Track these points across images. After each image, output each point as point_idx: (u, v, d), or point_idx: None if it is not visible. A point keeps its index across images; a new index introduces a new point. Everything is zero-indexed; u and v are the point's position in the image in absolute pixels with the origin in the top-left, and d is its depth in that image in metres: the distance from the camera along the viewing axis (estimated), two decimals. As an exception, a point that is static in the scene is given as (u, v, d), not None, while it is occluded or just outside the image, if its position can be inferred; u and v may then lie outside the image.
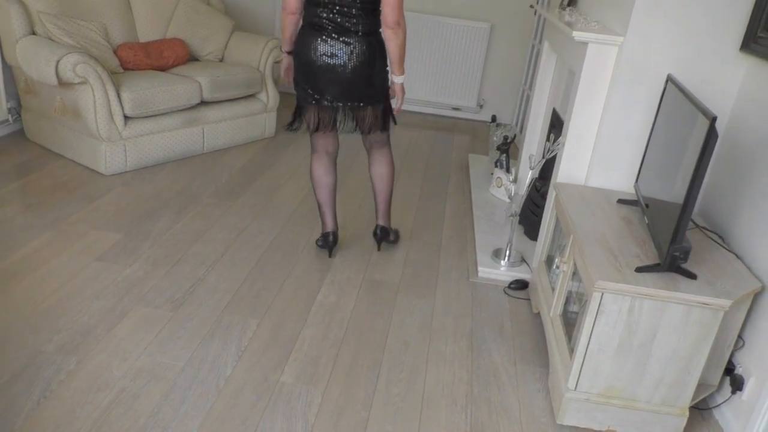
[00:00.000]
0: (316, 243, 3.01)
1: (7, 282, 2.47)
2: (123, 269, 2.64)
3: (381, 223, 2.99)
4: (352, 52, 2.49)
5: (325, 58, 2.50)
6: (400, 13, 2.44)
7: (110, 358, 2.12)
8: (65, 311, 2.33)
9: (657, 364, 1.94)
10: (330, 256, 2.93)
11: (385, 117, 2.72)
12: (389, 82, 2.67)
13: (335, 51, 2.49)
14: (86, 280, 2.53)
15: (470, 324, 2.57)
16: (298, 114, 2.72)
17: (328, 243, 2.91)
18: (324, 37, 2.48)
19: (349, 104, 2.59)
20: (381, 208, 2.96)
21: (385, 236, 3.01)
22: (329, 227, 2.90)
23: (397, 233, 3.15)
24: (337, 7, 2.44)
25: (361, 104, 2.61)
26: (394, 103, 2.72)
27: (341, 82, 2.53)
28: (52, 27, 3.44)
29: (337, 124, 2.67)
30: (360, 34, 2.48)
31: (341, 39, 2.48)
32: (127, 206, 3.18)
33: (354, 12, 2.45)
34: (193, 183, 3.54)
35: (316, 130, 2.69)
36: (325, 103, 2.59)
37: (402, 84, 2.67)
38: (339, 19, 2.46)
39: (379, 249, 3.05)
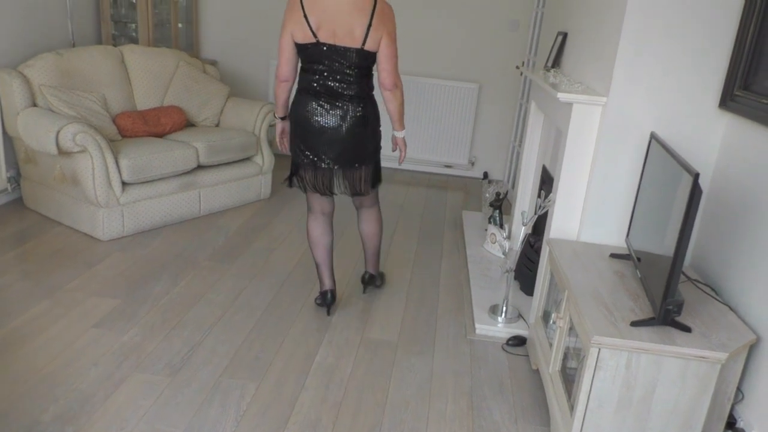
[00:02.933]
0: (315, 301, 3.04)
1: (5, 351, 2.46)
2: (121, 335, 2.63)
3: (371, 270, 3.17)
4: (346, 115, 2.58)
5: (320, 121, 2.59)
6: (397, 75, 2.58)
7: (108, 426, 2.10)
8: (63, 379, 2.32)
9: (658, 419, 1.94)
10: (329, 314, 2.95)
11: (375, 175, 2.82)
12: (391, 138, 2.82)
13: (330, 115, 2.58)
14: (84, 347, 2.53)
15: (470, 382, 2.56)
16: (294, 172, 2.78)
17: (327, 301, 2.94)
18: (319, 102, 2.58)
19: (343, 166, 2.68)
20: (370, 259, 3.13)
21: (372, 281, 3.19)
22: (327, 285, 2.94)
23: (382, 277, 3.31)
24: (332, 74, 2.54)
25: (356, 165, 2.70)
26: (380, 154, 2.84)
27: (336, 144, 2.62)
28: (53, 98, 3.54)
29: (333, 187, 2.75)
30: (354, 98, 2.58)
31: (336, 103, 2.57)
32: (125, 271, 3.20)
33: (348, 78, 2.55)
34: (189, 246, 3.57)
35: (314, 191, 2.75)
36: (322, 165, 2.67)
37: (403, 138, 2.81)
38: (333, 85, 2.56)
39: (364, 291, 3.18)
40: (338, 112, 2.58)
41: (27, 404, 2.17)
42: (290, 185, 2.82)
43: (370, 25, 2.47)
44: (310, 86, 2.58)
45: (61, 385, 2.28)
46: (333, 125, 2.60)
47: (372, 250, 3.09)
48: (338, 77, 2.55)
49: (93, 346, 2.54)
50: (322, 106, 2.58)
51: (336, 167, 2.68)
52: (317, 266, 2.93)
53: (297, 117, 2.64)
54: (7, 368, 2.36)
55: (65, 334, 2.61)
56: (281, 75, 2.62)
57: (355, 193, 2.79)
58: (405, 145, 2.83)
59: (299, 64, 2.64)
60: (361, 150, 2.69)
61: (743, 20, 2.27)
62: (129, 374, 2.39)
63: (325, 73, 2.55)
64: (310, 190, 2.78)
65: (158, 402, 2.25)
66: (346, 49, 2.50)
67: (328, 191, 2.76)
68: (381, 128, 2.79)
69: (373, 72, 2.64)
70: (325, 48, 2.50)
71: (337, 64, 2.52)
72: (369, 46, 2.51)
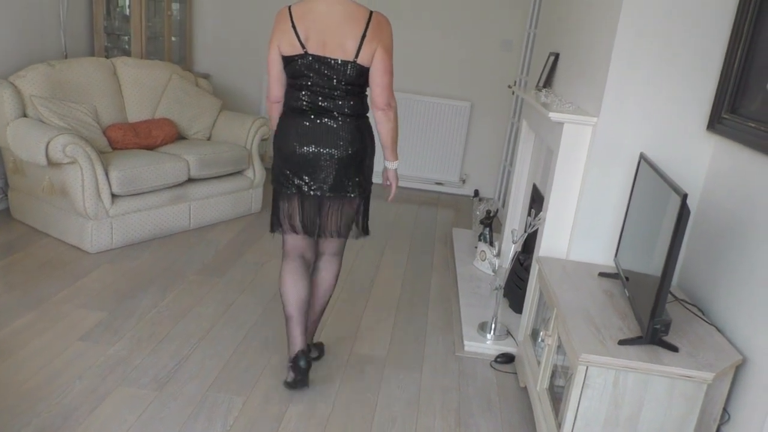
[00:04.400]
0: (286, 382, 2.48)
1: (-12, 363, 2.43)
2: (107, 348, 2.61)
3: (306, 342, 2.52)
4: (336, 136, 2.30)
5: (308, 142, 2.30)
6: (391, 94, 2.30)
7: (92, 441, 2.08)
8: (47, 393, 2.29)
9: (645, 439, 1.94)
10: (306, 384, 2.46)
11: (365, 216, 2.52)
12: (383, 170, 2.51)
13: (319, 135, 2.30)
14: (69, 360, 2.50)
15: (457, 399, 2.55)
16: (276, 211, 2.46)
17: (299, 369, 2.40)
18: (306, 121, 2.31)
19: (332, 194, 2.36)
20: (310, 323, 2.58)
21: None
22: (299, 345, 2.42)
23: (321, 349, 2.74)
24: (320, 89, 2.28)
25: (350, 195, 2.39)
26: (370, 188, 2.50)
27: (326, 169, 2.32)
28: (44, 109, 3.53)
29: (320, 220, 2.42)
30: (345, 116, 2.31)
31: (325, 122, 2.30)
32: (113, 284, 3.18)
33: (338, 94, 2.28)
34: (179, 260, 3.55)
35: (297, 228, 2.43)
36: (310, 192, 2.36)
37: (395, 170, 2.50)
38: (322, 102, 2.29)
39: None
40: (328, 131, 2.30)
41: (9, 418, 2.14)
42: (273, 230, 2.49)
43: (364, 35, 2.22)
44: (297, 104, 2.32)
45: (44, 399, 2.26)
46: (322, 147, 2.30)
47: (318, 307, 2.57)
48: (327, 93, 2.27)
49: (78, 359, 2.52)
50: (309, 126, 2.30)
51: (325, 195, 2.36)
52: (287, 321, 2.46)
53: (282, 138, 2.36)
54: (-9, 380, 2.33)
55: (50, 346, 2.58)
56: (272, 95, 2.38)
57: (335, 229, 2.44)
58: (397, 179, 2.51)
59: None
60: (353, 177, 2.37)
61: (731, 45, 2.31)
62: (114, 388, 2.36)
63: (313, 89, 2.28)
64: (289, 230, 2.44)
65: (144, 416, 2.22)
66: (337, 62, 2.24)
67: (312, 227, 2.42)
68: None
69: (367, 93, 2.37)
70: (311, 58, 2.24)
71: (326, 79, 2.25)
72: (362, 60, 2.24)
